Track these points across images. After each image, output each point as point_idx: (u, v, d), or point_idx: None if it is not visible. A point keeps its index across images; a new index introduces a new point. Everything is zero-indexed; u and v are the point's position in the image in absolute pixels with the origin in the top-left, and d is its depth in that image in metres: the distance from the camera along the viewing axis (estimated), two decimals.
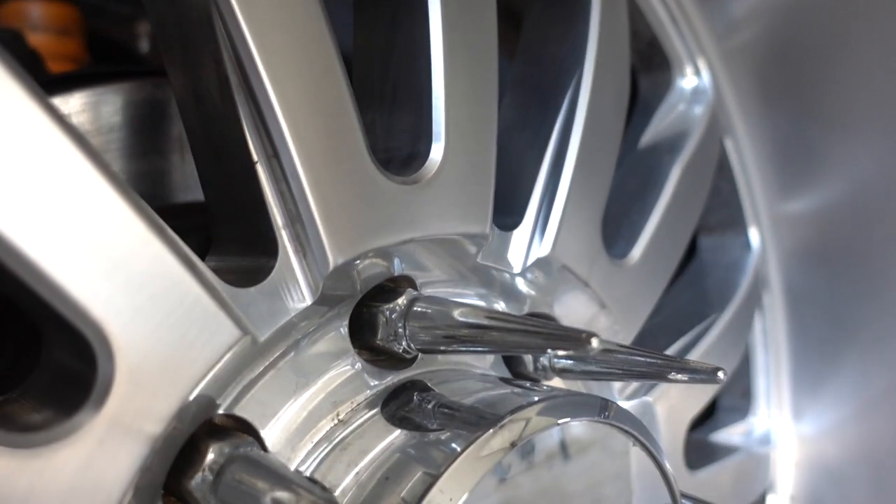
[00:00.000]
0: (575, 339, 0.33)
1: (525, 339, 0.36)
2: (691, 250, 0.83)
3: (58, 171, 0.30)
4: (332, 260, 0.38)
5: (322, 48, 0.36)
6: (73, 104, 0.60)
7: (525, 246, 0.50)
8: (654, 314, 0.63)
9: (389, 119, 0.44)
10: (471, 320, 0.38)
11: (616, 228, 0.61)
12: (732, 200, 0.82)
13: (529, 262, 0.50)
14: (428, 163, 0.41)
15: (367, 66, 0.46)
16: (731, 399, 0.85)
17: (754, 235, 0.82)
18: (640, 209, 0.61)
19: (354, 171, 0.38)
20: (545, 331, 0.35)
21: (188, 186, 0.62)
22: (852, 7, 0.71)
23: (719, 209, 0.83)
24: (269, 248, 0.37)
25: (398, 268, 0.43)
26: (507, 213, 0.53)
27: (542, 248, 0.51)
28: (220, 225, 0.40)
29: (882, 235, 0.74)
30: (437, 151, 0.41)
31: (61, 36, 1.26)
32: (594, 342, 0.33)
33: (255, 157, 0.36)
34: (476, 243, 0.46)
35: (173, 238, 0.34)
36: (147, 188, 0.64)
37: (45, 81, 0.64)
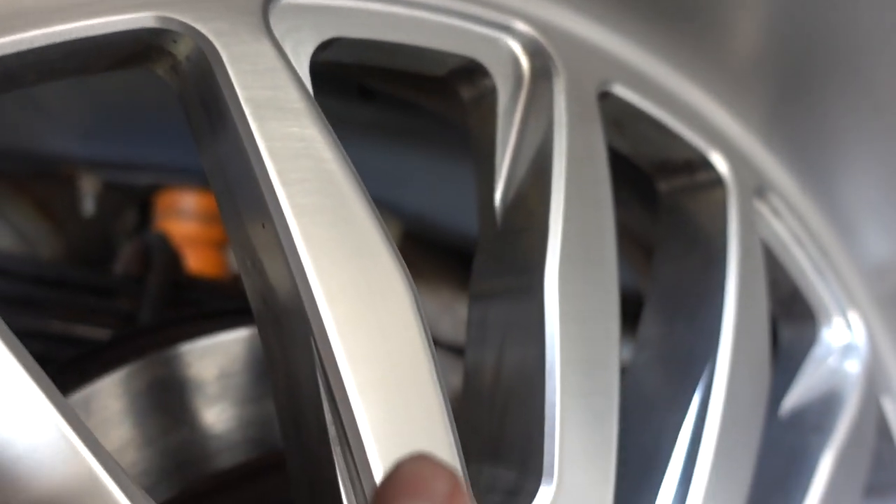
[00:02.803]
0: None
1: None
2: None
3: None
4: None
5: (430, 405, 0.34)
6: (197, 348, 0.62)
7: None
8: None
9: (499, 436, 0.41)
10: None
11: None
12: (893, 464, 0.72)
13: None
14: None
15: (479, 364, 0.44)
16: None
17: None
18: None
19: None
20: None
21: None
22: None
23: (878, 472, 0.73)
24: None
25: None
26: None
27: None
28: None
29: None
30: (545, 496, 0.37)
31: (210, 223, 1.36)
32: None
33: None
34: None
35: None
36: (256, 433, 0.63)
37: (167, 322, 0.67)
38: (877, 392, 0.68)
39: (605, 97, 0.53)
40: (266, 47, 0.37)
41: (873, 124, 0.58)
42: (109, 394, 0.55)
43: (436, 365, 0.35)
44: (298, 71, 0.39)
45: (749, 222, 0.58)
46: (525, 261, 0.44)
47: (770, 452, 0.59)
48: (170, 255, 1.00)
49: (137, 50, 0.38)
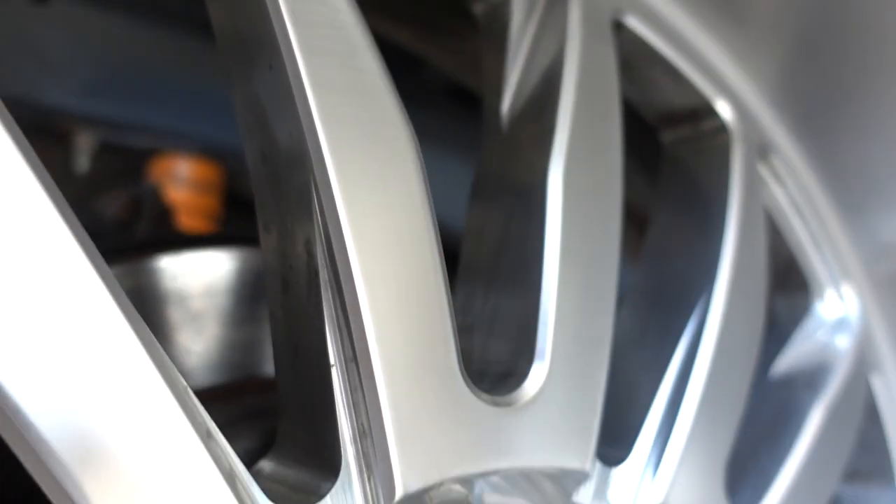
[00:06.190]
0: None
1: None
2: None
3: None
4: (401, 487, 0.32)
5: (424, 250, 0.33)
6: (180, 263, 0.60)
7: (633, 487, 0.43)
8: None
9: (491, 322, 0.40)
10: None
11: (740, 471, 0.52)
12: (879, 447, 0.71)
13: None
14: (527, 384, 0.36)
15: (476, 256, 0.43)
16: None
17: None
18: (771, 452, 0.52)
19: (440, 386, 0.33)
20: None
21: None
22: None
23: (862, 455, 0.72)
24: (331, 462, 0.32)
25: (479, 499, 0.37)
26: (614, 441, 0.47)
27: (654, 492, 0.43)
28: (285, 423, 0.36)
29: None
30: (538, 372, 0.36)
31: (202, 193, 1.35)
32: None
33: (332, 359, 0.32)
34: (573, 479, 0.39)
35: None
36: (236, 357, 0.62)
37: (159, 241, 0.65)
38: (866, 370, 0.68)
39: (619, 29, 0.53)
40: None
41: (890, 96, 0.58)
42: None
43: (434, 225, 0.35)
44: None
45: (752, 172, 0.57)
46: (530, 160, 0.43)
47: (759, 406, 0.58)
48: (161, 207, 0.98)
49: None
